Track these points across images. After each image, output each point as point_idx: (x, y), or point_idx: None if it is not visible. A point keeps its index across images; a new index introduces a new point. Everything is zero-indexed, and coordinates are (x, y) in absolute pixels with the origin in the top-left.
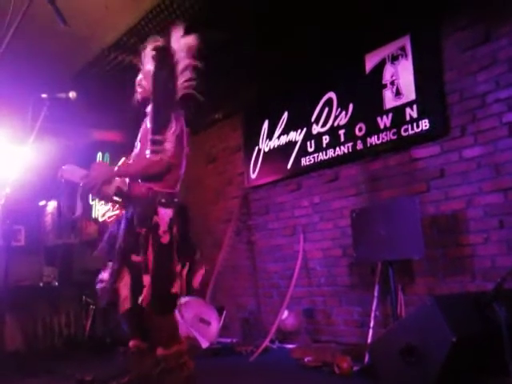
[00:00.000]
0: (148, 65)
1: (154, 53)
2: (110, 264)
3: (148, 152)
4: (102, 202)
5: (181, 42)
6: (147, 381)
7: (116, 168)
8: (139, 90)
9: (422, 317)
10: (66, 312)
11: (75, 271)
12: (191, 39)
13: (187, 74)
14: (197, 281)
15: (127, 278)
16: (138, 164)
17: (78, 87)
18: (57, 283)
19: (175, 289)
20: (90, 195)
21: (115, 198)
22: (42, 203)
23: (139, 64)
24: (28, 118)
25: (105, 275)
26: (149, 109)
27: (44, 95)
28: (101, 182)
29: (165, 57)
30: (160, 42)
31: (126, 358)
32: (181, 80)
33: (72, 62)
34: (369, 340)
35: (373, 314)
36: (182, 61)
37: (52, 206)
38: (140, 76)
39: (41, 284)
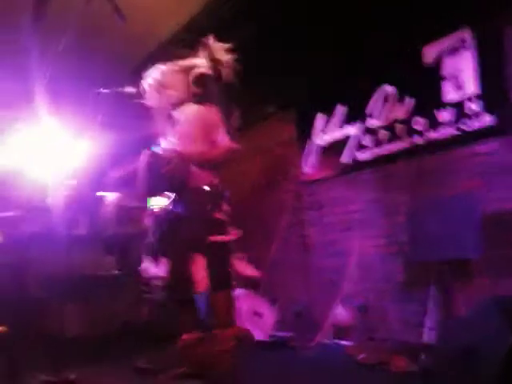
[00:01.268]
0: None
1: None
2: (165, 259)
3: (225, 141)
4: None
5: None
6: (202, 366)
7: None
8: (168, 94)
9: (480, 318)
10: (124, 300)
11: (132, 260)
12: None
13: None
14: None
15: (201, 261)
16: (214, 151)
17: (136, 82)
18: (115, 272)
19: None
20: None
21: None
22: (102, 193)
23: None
24: (88, 113)
25: (160, 270)
26: (184, 112)
27: (103, 90)
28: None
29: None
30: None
31: (182, 348)
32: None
33: (130, 58)
34: (424, 340)
35: (429, 314)
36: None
37: (112, 196)
38: (170, 78)
39: (100, 272)
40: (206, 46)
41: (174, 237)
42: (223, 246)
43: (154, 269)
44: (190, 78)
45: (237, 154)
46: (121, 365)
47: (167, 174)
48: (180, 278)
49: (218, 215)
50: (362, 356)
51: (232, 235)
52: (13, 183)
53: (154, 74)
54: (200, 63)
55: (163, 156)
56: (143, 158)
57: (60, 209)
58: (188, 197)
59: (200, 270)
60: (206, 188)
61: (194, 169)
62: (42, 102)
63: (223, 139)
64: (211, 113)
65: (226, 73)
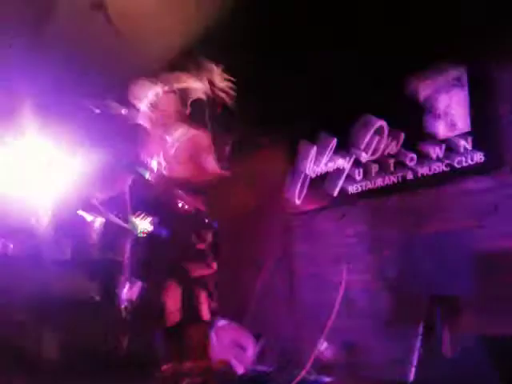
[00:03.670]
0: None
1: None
2: (139, 282)
3: (212, 167)
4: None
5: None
6: None
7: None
8: (161, 115)
9: (468, 359)
10: (105, 328)
11: (116, 287)
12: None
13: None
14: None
15: (176, 291)
16: (201, 176)
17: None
18: (97, 298)
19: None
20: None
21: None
22: (89, 218)
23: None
24: (76, 130)
25: (131, 293)
26: (175, 135)
27: (93, 108)
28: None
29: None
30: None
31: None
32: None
33: (124, 76)
34: (410, 378)
35: (416, 352)
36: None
37: (99, 221)
38: (164, 100)
39: (81, 298)
40: (206, 71)
41: (153, 262)
42: (201, 279)
43: (128, 292)
44: (186, 100)
45: (225, 181)
46: None
47: (151, 199)
48: (154, 307)
49: (201, 246)
50: None
51: (211, 269)
52: None
53: (148, 95)
54: (197, 87)
55: (148, 180)
56: (127, 181)
57: (44, 231)
58: (172, 222)
59: (175, 300)
60: (191, 214)
61: (180, 194)
62: (29, 118)
63: (211, 165)
64: (201, 137)
65: (223, 99)
